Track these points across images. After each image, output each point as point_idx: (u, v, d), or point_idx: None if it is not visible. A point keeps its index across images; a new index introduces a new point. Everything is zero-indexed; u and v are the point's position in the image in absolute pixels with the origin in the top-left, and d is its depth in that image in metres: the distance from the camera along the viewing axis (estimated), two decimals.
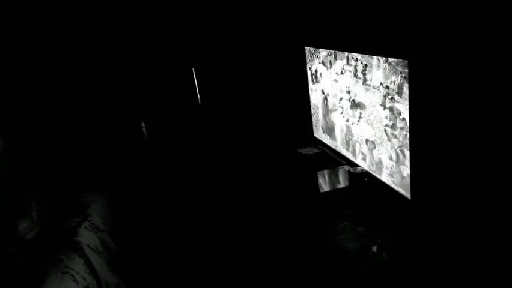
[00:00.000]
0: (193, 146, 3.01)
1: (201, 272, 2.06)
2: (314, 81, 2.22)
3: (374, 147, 1.70)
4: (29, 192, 1.87)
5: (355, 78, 1.74)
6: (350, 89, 1.81)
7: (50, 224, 1.79)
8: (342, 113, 1.96)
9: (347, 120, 1.91)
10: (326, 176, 2.01)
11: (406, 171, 1.51)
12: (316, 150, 2.33)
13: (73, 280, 1.42)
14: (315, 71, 2.17)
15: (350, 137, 1.92)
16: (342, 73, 1.86)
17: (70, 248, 1.56)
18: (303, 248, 1.67)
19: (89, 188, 2.18)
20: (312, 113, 2.37)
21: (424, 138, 1.40)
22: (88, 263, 1.57)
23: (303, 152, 2.33)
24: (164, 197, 2.75)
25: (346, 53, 1.78)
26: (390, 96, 1.49)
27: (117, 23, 2.87)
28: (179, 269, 2.12)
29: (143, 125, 3.02)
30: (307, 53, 2.23)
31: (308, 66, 2.25)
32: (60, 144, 2.71)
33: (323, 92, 2.14)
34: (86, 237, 1.69)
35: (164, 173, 2.92)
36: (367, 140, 1.75)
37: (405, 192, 1.55)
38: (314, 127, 2.40)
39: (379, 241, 1.50)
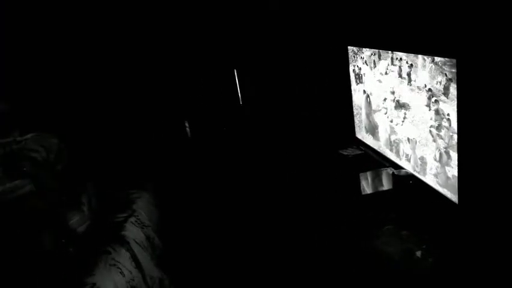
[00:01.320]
0: (235, 145, 3.05)
1: (243, 270, 2.08)
2: (358, 81, 2.19)
3: (418, 147, 1.65)
4: (80, 188, 1.98)
5: (400, 78, 1.70)
6: (395, 89, 1.77)
7: (99, 218, 1.88)
8: (386, 114, 1.91)
9: (391, 121, 1.87)
10: (369, 178, 1.97)
11: (451, 172, 1.45)
12: (358, 152, 2.29)
13: (120, 273, 1.49)
14: (359, 71, 2.13)
15: (394, 138, 1.88)
16: (386, 73, 1.82)
17: (117, 242, 1.63)
18: (344, 250, 1.65)
19: (135, 185, 2.27)
20: (355, 113, 2.33)
21: (473, 140, 1.34)
22: (134, 257, 1.64)
23: (345, 153, 2.30)
24: (207, 195, 2.81)
25: (390, 53, 1.74)
26: (434, 98, 1.44)
27: (164, 25, 2.96)
28: (221, 266, 2.16)
29: (187, 124, 3.10)
30: (350, 53, 2.19)
31: (351, 66, 2.22)
32: (109, 142, 2.84)
33: (364, 91, 2.11)
34: (133, 232, 1.76)
35: (206, 171, 2.97)
36: (410, 139, 1.70)
37: (451, 195, 1.49)
38: (357, 127, 2.36)
39: (424, 246, 1.45)
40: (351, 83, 2.27)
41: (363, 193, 1.87)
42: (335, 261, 1.65)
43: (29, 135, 1.83)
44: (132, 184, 2.29)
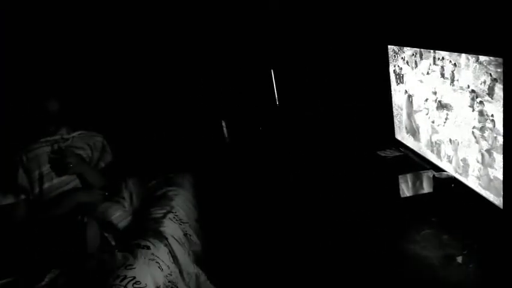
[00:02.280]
0: (271, 145, 3.06)
1: (277, 270, 2.09)
2: (398, 81, 2.14)
3: (460, 148, 1.59)
4: (121, 184, 2.06)
5: (442, 78, 1.64)
6: (436, 89, 1.72)
7: (140, 214, 1.95)
8: (427, 114, 1.86)
9: (433, 122, 1.82)
10: (408, 181, 1.92)
11: (494, 173, 1.39)
12: (397, 153, 2.24)
13: (159, 267, 1.54)
14: (399, 71, 2.09)
15: (436, 139, 1.82)
16: (428, 73, 1.77)
17: (157, 237, 1.68)
18: (382, 253, 1.62)
19: (173, 183, 2.32)
20: (395, 114, 2.28)
21: None
22: (172, 252, 1.68)
23: (383, 155, 2.26)
24: (243, 195, 2.83)
25: (432, 52, 1.69)
26: (479, 99, 1.39)
27: (203, 25, 3.00)
28: (255, 264, 2.17)
29: (224, 124, 3.13)
30: (391, 52, 2.15)
31: (391, 66, 2.17)
32: (149, 140, 2.93)
33: (406, 91, 2.06)
34: (171, 228, 1.81)
35: (242, 171, 3.00)
36: (452, 141, 1.65)
37: (494, 198, 1.43)
38: (396, 128, 2.30)
39: (465, 251, 1.40)
40: (392, 83, 2.22)
41: (402, 196, 1.83)
42: (372, 264, 1.62)
43: (75, 134, 1.93)
44: (170, 182, 2.34)
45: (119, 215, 1.81)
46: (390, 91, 2.25)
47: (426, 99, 1.83)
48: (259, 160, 3.02)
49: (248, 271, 2.18)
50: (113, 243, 1.70)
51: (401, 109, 2.16)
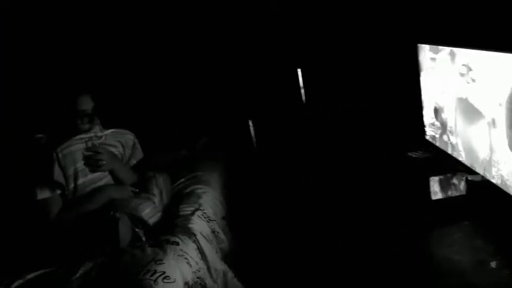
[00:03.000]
0: (298, 145, 3.05)
1: (303, 268, 2.09)
2: (431, 81, 2.09)
3: (496, 151, 1.54)
4: (152, 181, 2.11)
5: (470, 79, 1.60)
6: (466, 90, 1.67)
7: (169, 210, 1.99)
8: (461, 115, 1.82)
9: (464, 123, 1.77)
10: (440, 183, 1.88)
11: None
12: (428, 154, 2.19)
13: (187, 263, 1.57)
14: (433, 70, 2.04)
15: (470, 142, 1.78)
16: (458, 73, 1.73)
17: (185, 234, 1.72)
18: (413, 257, 1.60)
19: (201, 181, 2.35)
20: (427, 114, 2.23)
21: None
22: (200, 249, 1.71)
23: (414, 156, 2.21)
24: (270, 193, 2.84)
25: (463, 50, 1.65)
26: None
27: (229, 23, 3.02)
28: (282, 263, 2.18)
29: (250, 123, 3.15)
30: (421, 51, 2.11)
31: (421, 65, 2.13)
32: (177, 138, 2.98)
33: (439, 92, 2.01)
34: (199, 224, 1.84)
35: (269, 170, 3.00)
36: (491, 146, 1.60)
37: None
38: (427, 129, 2.26)
39: (499, 257, 1.36)
40: (425, 83, 2.18)
41: (433, 198, 1.79)
42: (402, 267, 1.60)
43: (108, 131, 1.99)
44: (199, 180, 2.37)
45: (150, 211, 1.85)
46: (421, 91, 2.20)
47: (457, 100, 1.78)
48: (286, 159, 3.02)
49: (274, 269, 2.19)
50: (143, 238, 1.74)
51: (435, 110, 2.11)
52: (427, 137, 2.27)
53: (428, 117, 2.21)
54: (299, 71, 3.05)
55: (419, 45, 2.12)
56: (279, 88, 3.15)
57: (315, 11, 2.82)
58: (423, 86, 2.18)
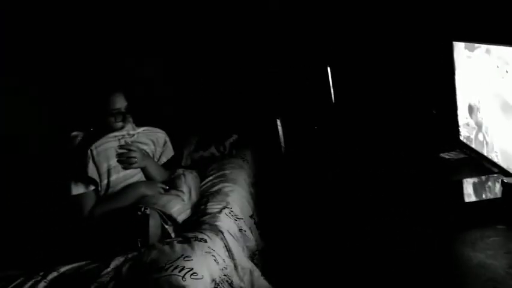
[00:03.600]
0: (326, 144, 3.03)
1: (330, 268, 2.08)
2: (463, 80, 2.03)
3: None
4: (181, 179, 2.15)
5: (507, 77, 1.54)
6: (503, 89, 1.61)
7: (197, 208, 2.02)
8: (497, 115, 1.75)
9: (500, 123, 1.70)
10: (474, 185, 1.82)
11: None
12: (462, 155, 2.12)
13: (214, 260, 1.58)
14: (469, 68, 1.98)
15: (506, 142, 1.71)
16: (495, 71, 1.66)
17: (213, 231, 1.74)
18: (445, 261, 1.55)
19: (228, 179, 2.37)
20: (461, 114, 2.16)
21: None
22: (227, 247, 1.73)
23: (446, 157, 2.15)
24: (297, 194, 2.83)
25: (500, 48, 1.58)
26: None
27: (256, 20, 3.02)
28: (309, 262, 2.17)
29: (278, 122, 3.14)
30: (455, 49, 2.04)
31: (455, 63, 2.07)
32: (205, 137, 3.02)
33: (472, 91, 1.94)
34: (226, 222, 1.86)
35: (298, 170, 3.00)
36: None
37: None
38: (462, 129, 2.19)
39: None
40: (459, 81, 2.11)
41: (466, 200, 1.74)
42: (433, 271, 1.56)
43: (140, 130, 2.04)
44: (226, 178, 2.39)
45: (179, 208, 1.89)
46: (455, 90, 2.13)
47: (492, 99, 1.72)
48: (315, 159, 3.00)
49: (301, 268, 2.18)
50: (172, 235, 1.78)
51: (470, 110, 2.04)
52: (461, 138, 2.20)
53: (462, 117, 2.14)
54: (329, 69, 3.02)
55: (454, 42, 2.06)
56: (308, 87, 3.13)
57: (348, 6, 2.78)
58: (457, 85, 2.12)
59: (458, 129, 2.20)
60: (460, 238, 1.57)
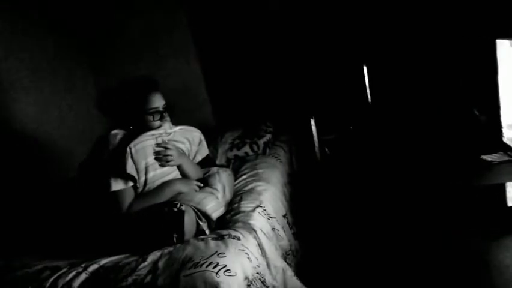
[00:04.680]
0: (362, 146, 2.98)
1: (364, 272, 2.05)
2: (506, 79, 1.94)
3: None
4: (215, 176, 2.18)
5: None
6: None
7: (231, 206, 2.04)
8: None
9: None
10: None
11: None
12: (506, 158, 2.04)
13: (247, 258, 1.60)
14: (508, 67, 1.90)
15: None
16: None
17: (246, 229, 1.75)
18: (484, 264, 1.50)
19: (262, 178, 2.38)
20: (502, 114, 2.08)
21: None
22: (260, 245, 1.74)
23: (488, 159, 2.07)
24: (332, 195, 2.81)
25: None
26: None
27: (289, 17, 3.01)
28: (342, 263, 2.15)
29: (312, 122, 3.12)
30: (499, 47, 1.96)
31: (499, 61, 1.98)
32: (240, 136, 3.04)
33: None
34: (259, 221, 1.87)
35: (332, 171, 2.97)
36: None
37: None
38: (505, 130, 2.10)
39: None
40: (503, 81, 2.02)
41: (509, 205, 1.67)
42: (472, 275, 1.51)
43: (176, 128, 2.09)
44: (260, 177, 2.40)
45: (213, 206, 1.92)
46: (498, 89, 2.05)
47: None
48: (350, 160, 2.96)
49: (334, 269, 2.17)
50: (207, 232, 1.81)
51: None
52: (504, 139, 2.11)
53: (506, 118, 2.05)
54: (365, 67, 2.97)
55: (497, 40, 1.98)
56: (344, 86, 3.09)
57: (385, 3, 2.72)
58: (500, 84, 2.03)
59: (501, 131, 2.11)
60: (503, 243, 1.52)
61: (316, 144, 3.05)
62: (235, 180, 2.38)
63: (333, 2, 2.91)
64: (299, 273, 1.87)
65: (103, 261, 1.66)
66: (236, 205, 2.02)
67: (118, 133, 1.95)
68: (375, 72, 2.93)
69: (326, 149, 3.08)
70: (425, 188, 2.21)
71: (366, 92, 2.98)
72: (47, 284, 1.55)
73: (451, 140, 2.45)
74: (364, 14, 2.82)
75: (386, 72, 2.89)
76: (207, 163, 2.32)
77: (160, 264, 1.56)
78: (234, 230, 1.75)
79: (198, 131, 2.23)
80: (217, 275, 1.42)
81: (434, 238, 1.86)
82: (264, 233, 1.84)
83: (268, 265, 1.72)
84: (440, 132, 2.55)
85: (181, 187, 1.97)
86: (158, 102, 1.97)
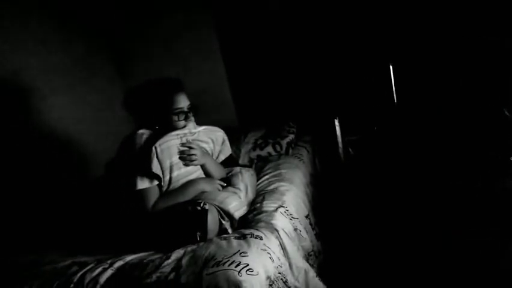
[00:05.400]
0: (388, 146, 2.94)
1: (386, 274, 2.02)
2: None
3: None
4: (238, 176, 2.19)
5: None
6: None
7: (253, 205, 2.05)
8: None
9: None
10: None
11: None
12: None
13: (269, 258, 1.60)
14: None
15: None
16: None
17: (268, 229, 1.76)
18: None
19: (284, 178, 2.38)
20: None
21: None
22: (282, 245, 1.74)
23: None
24: (355, 196, 2.78)
25: None
26: None
27: (313, 17, 2.99)
28: (365, 265, 2.13)
29: (336, 122, 3.09)
30: None
31: None
32: (263, 136, 3.04)
33: None
34: (282, 221, 1.87)
35: (356, 171, 2.94)
36: None
37: None
38: None
39: None
40: None
41: None
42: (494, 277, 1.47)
43: (200, 128, 2.11)
44: (282, 177, 2.40)
45: (236, 205, 1.93)
46: None
47: None
48: (374, 162, 2.92)
49: (357, 271, 2.14)
50: (229, 230, 1.83)
51: None
52: None
53: None
54: (391, 67, 2.92)
55: None
56: (369, 85, 3.05)
57: (412, 1, 2.67)
58: None
59: None
60: None
61: (340, 145, 3.02)
62: (258, 180, 2.39)
63: (360, 0, 2.87)
64: (321, 274, 1.86)
65: (128, 258, 1.70)
66: (258, 205, 2.03)
67: (144, 133, 1.99)
68: (402, 72, 2.88)
69: (350, 149, 3.05)
70: (453, 190, 2.16)
71: (392, 91, 2.93)
72: (75, 279, 1.60)
73: (480, 141, 2.38)
74: (391, 12, 2.77)
75: (413, 71, 2.83)
76: (230, 163, 2.33)
77: (184, 262, 1.58)
78: (257, 229, 1.75)
79: (222, 131, 2.25)
80: (240, 274, 1.43)
81: (460, 241, 1.82)
82: (286, 233, 1.83)
83: (290, 265, 1.72)
84: (469, 133, 2.48)
85: (204, 186, 1.99)
86: (183, 102, 2.00)
